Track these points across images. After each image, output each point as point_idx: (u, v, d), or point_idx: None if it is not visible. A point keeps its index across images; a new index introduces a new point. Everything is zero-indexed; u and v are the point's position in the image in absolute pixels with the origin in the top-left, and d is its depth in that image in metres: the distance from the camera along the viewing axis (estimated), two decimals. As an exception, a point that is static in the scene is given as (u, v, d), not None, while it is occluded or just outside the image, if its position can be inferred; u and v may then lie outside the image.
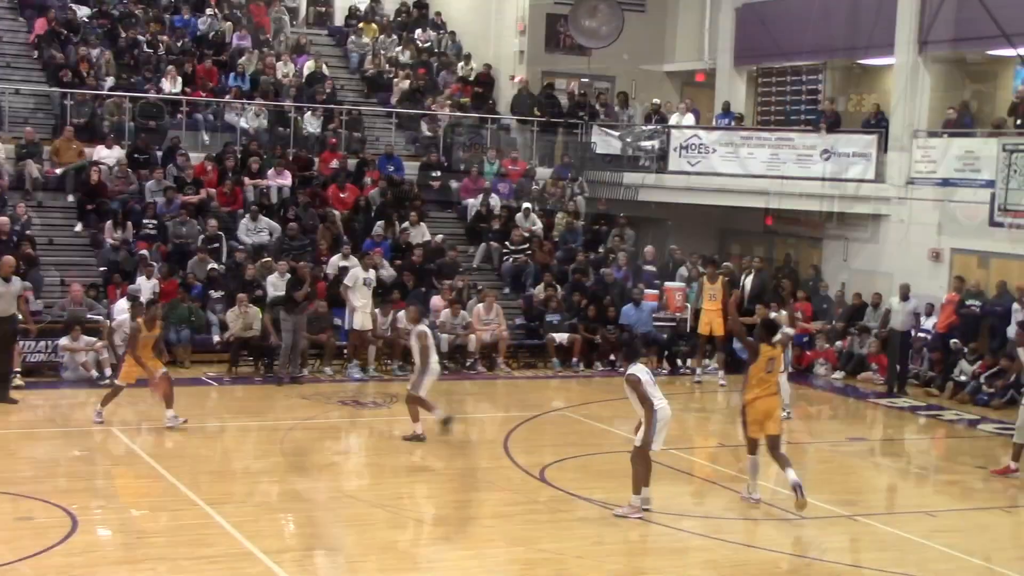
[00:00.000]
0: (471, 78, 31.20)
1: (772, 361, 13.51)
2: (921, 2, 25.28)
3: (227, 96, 27.46)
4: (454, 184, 27.44)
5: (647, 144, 28.48)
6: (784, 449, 13.72)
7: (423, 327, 16.52)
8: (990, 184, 21.53)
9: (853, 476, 16.38)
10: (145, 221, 23.40)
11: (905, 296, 22.32)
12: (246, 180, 25.15)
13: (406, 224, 24.99)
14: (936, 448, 18.94)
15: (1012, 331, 21.94)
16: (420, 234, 25.00)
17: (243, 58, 28.70)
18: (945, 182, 24.50)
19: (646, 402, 12.87)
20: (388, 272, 23.38)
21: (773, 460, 13.62)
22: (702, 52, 30.83)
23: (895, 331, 22.10)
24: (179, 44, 28.89)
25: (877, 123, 26.37)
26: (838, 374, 23.52)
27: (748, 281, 25.16)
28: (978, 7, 20.16)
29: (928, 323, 23.19)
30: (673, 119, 28.82)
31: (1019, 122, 23.84)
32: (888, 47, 26.06)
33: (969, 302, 22.79)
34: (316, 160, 26.64)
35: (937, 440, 19.38)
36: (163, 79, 26.90)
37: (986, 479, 16.08)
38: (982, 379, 21.39)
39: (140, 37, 28.26)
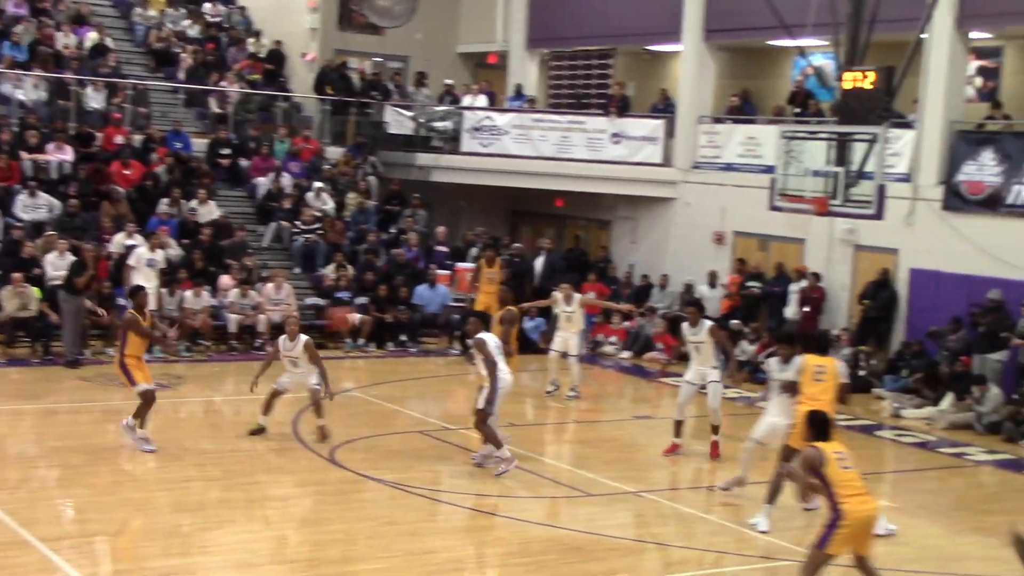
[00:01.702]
0: (261, 55, 30.64)
1: None
2: (706, -9, 25.96)
3: (1, 66, 26.30)
4: (244, 162, 26.92)
5: (440, 125, 28.50)
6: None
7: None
8: (770, 170, 22.22)
9: (639, 453, 16.73)
10: (-87, 196, 22.28)
11: (713, 283, 22.83)
12: (24, 154, 24.13)
13: (194, 202, 24.40)
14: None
15: (790, 312, 22.83)
16: (208, 212, 24.45)
17: (19, 27, 27.50)
18: (728, 167, 25.27)
19: (490, 364, 13.12)
20: (176, 251, 22.81)
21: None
22: (495, 34, 30.97)
23: None
24: (-55, 11, 27.56)
25: (665, 108, 26.99)
26: (625, 353, 23.99)
27: (539, 263, 25.56)
28: (760, -2, 20.77)
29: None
30: (466, 100, 28.92)
31: (797, 110, 24.74)
32: (675, 34, 26.64)
33: (750, 284, 23.56)
34: (99, 135, 25.76)
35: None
36: (-71, 47, 25.62)
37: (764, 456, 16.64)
38: (761, 358, 22.12)
39: (-99, 2, 26.89)
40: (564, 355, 19.46)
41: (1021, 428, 17.92)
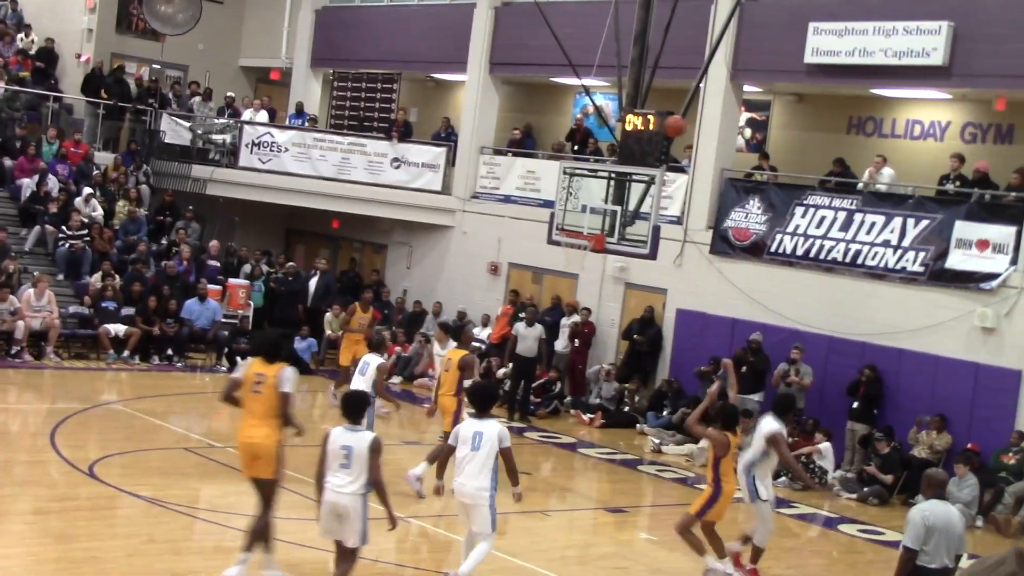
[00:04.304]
0: (32, 52, 29.49)
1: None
2: (493, 24, 26.22)
3: None
4: (8, 162, 25.80)
5: (218, 138, 27.97)
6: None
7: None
8: (548, 203, 22.59)
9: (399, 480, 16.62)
10: None
11: (531, 322, 21.89)
12: None
13: (-49, 200, 23.27)
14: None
15: (560, 344, 23.17)
16: (-33, 211, 23.36)
17: None
18: (507, 199, 25.55)
19: None
20: (-72, 250, 21.69)
21: None
22: (279, 50, 30.59)
23: (520, 356, 21.63)
24: None
25: (447, 136, 27.14)
26: (396, 379, 23.86)
27: (313, 283, 25.32)
28: (546, 35, 21.05)
29: (483, 334, 24.04)
30: (246, 115, 28.46)
31: (576, 147, 25.23)
32: (461, 64, 26.84)
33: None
34: None
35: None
36: None
37: (532, 487, 16.80)
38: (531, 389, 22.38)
39: None
40: None
41: (774, 467, 18.57)
